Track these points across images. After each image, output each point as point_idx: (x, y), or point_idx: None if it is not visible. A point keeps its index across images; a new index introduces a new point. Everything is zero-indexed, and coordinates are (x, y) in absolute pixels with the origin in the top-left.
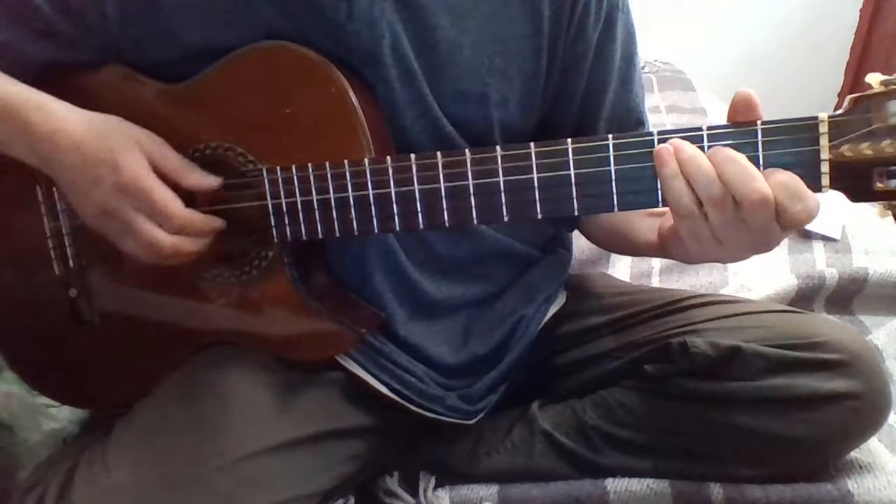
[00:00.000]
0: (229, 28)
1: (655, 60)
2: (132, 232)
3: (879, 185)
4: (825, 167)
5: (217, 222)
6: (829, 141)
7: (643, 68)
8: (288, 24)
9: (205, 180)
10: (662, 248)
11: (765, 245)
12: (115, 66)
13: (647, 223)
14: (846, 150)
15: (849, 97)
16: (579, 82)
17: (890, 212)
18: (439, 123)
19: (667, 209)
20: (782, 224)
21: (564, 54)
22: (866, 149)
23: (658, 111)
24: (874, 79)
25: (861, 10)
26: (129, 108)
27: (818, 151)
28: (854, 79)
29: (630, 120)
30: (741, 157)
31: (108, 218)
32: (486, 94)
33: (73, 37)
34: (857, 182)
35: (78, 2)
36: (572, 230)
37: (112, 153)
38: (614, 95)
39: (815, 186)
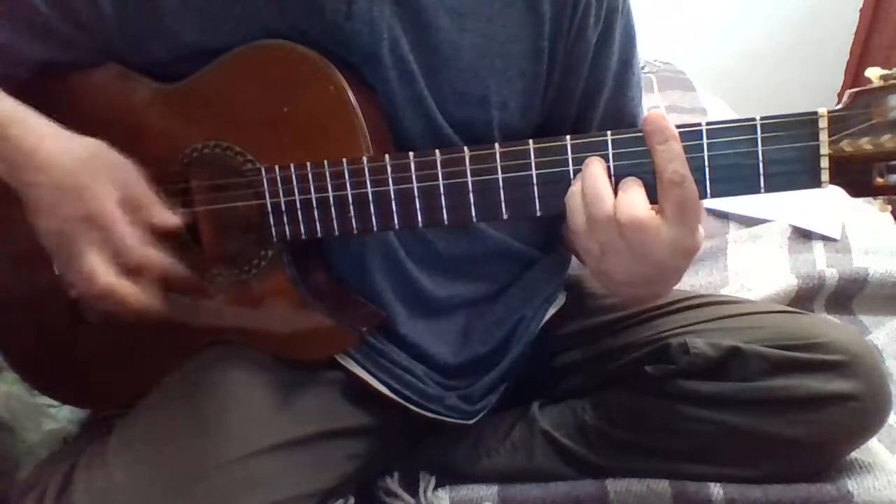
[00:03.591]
0: (228, 28)
1: (655, 60)
2: (76, 262)
3: (879, 180)
4: (825, 162)
5: (172, 263)
6: (829, 136)
7: (643, 68)
8: (287, 23)
9: (169, 218)
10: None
11: (658, 273)
12: (113, 66)
13: None
14: (846, 144)
15: (848, 92)
16: (578, 84)
17: (889, 207)
18: (438, 124)
19: None
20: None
21: (564, 56)
22: (866, 144)
23: (658, 111)
24: (874, 73)
25: (861, 10)
26: (126, 108)
27: (818, 147)
28: (854, 79)
29: (623, 124)
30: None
31: (60, 243)
32: (485, 95)
33: (70, 37)
34: (856, 177)
35: (76, 2)
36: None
37: (83, 180)
38: (608, 97)
39: (815, 182)
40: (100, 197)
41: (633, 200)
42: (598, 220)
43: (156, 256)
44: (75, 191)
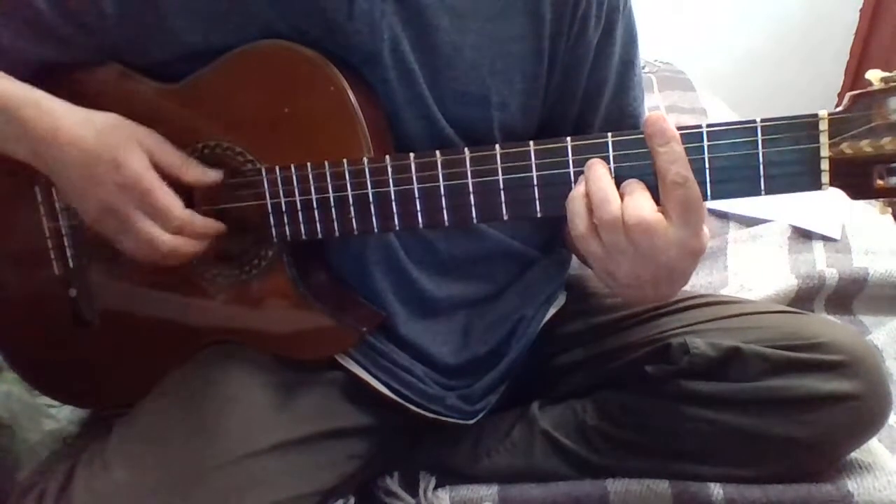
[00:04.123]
0: (229, 28)
1: (655, 60)
2: (131, 230)
3: (879, 182)
4: (825, 164)
5: (216, 225)
6: (830, 138)
7: (643, 68)
8: (288, 24)
9: (206, 175)
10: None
11: (665, 275)
12: (114, 66)
13: None
14: (846, 147)
15: (849, 94)
16: (579, 84)
17: (890, 209)
18: (439, 125)
19: None
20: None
21: (565, 56)
22: (866, 146)
23: (658, 111)
24: (874, 75)
25: (861, 10)
26: (127, 108)
27: (818, 149)
28: (854, 79)
29: (625, 124)
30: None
31: (107, 216)
32: (486, 95)
33: (71, 37)
34: (857, 179)
35: (77, 2)
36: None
37: (113, 150)
38: (611, 97)
39: (816, 184)
40: (132, 164)
41: (640, 203)
42: (605, 222)
43: (197, 219)
44: (107, 162)
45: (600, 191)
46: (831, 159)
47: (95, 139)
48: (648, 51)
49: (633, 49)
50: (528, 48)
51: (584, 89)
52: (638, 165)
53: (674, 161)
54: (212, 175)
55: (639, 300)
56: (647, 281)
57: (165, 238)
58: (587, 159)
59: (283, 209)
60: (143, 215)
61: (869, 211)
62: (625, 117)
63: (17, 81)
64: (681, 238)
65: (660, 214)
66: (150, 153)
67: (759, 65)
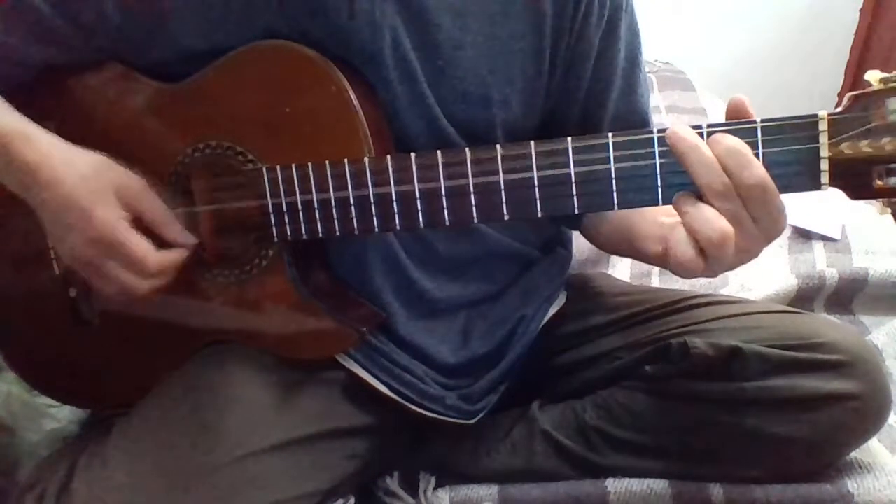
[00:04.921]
0: (230, 29)
1: (655, 60)
2: (106, 278)
3: (879, 182)
4: (824, 165)
5: (186, 252)
6: (829, 139)
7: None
8: (288, 24)
9: (183, 236)
10: (666, 258)
11: (766, 239)
12: (115, 66)
13: (654, 231)
14: (845, 147)
15: (848, 95)
16: (582, 83)
17: (889, 209)
18: (440, 124)
19: (676, 219)
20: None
21: (567, 54)
22: (865, 146)
23: (658, 111)
24: (873, 76)
25: (861, 10)
26: (128, 108)
27: (818, 149)
28: (854, 79)
29: (634, 122)
30: (741, 146)
31: (82, 263)
32: (487, 94)
33: (72, 37)
34: (856, 180)
35: (77, 3)
36: (577, 228)
37: (86, 200)
38: (618, 97)
39: (815, 184)
40: (104, 218)
41: (757, 165)
42: (750, 188)
43: (172, 255)
44: (79, 210)
45: (743, 153)
46: (831, 159)
47: (73, 184)
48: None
49: (637, 47)
50: (530, 47)
51: (588, 88)
52: (640, 165)
53: (746, 166)
54: (189, 239)
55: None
56: (748, 257)
57: (144, 285)
58: (587, 159)
59: (284, 209)
60: (116, 265)
61: (869, 211)
62: (633, 116)
63: (13, 111)
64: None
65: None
66: (129, 204)
67: (759, 65)
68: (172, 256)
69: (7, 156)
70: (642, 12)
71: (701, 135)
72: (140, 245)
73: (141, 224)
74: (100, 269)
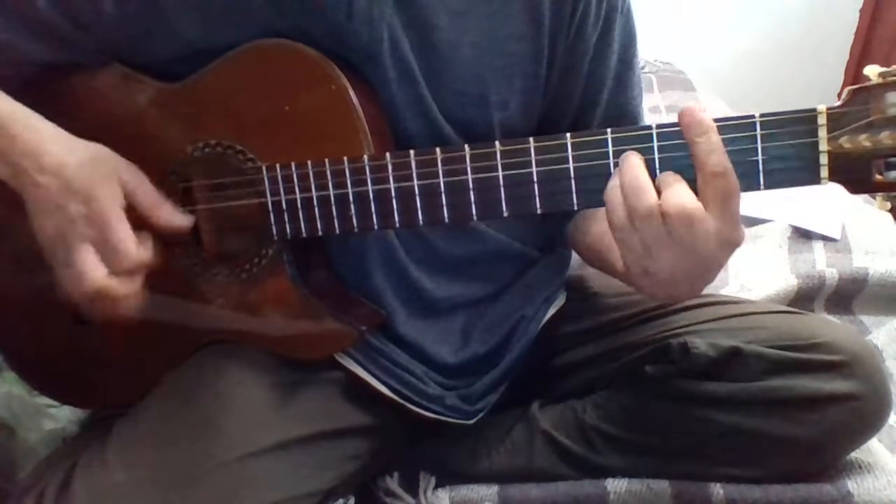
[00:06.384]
0: (229, 26)
1: (655, 60)
2: (69, 260)
3: (878, 176)
4: (824, 159)
5: (156, 261)
6: (828, 133)
7: (643, 68)
8: (287, 22)
9: (176, 219)
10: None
11: (702, 269)
12: (115, 66)
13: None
14: (845, 141)
15: (847, 89)
16: (578, 83)
17: (889, 204)
18: (438, 124)
19: None
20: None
21: (564, 55)
22: (865, 140)
23: (658, 111)
24: (872, 70)
25: (861, 10)
26: (127, 107)
27: (817, 143)
28: (854, 79)
29: (624, 122)
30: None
31: (58, 243)
32: (485, 94)
33: (71, 36)
34: (855, 174)
35: (76, 1)
36: (562, 230)
37: (90, 182)
38: (610, 97)
39: (814, 179)
40: (105, 198)
41: (680, 192)
42: (641, 213)
43: (146, 257)
44: (80, 193)
45: (636, 179)
46: (830, 154)
47: (76, 168)
48: (648, 51)
49: (631, 49)
50: (528, 47)
51: (583, 88)
52: None
53: (712, 151)
54: (182, 220)
55: (670, 298)
56: (683, 276)
57: (98, 274)
58: (587, 155)
59: (284, 207)
60: (87, 249)
61: (869, 211)
62: (623, 117)
63: (8, 98)
64: (720, 229)
65: (700, 205)
66: (128, 190)
67: (759, 64)
68: (147, 255)
69: (11, 142)
70: (642, 12)
71: None
72: (126, 234)
73: (132, 216)
74: (71, 249)
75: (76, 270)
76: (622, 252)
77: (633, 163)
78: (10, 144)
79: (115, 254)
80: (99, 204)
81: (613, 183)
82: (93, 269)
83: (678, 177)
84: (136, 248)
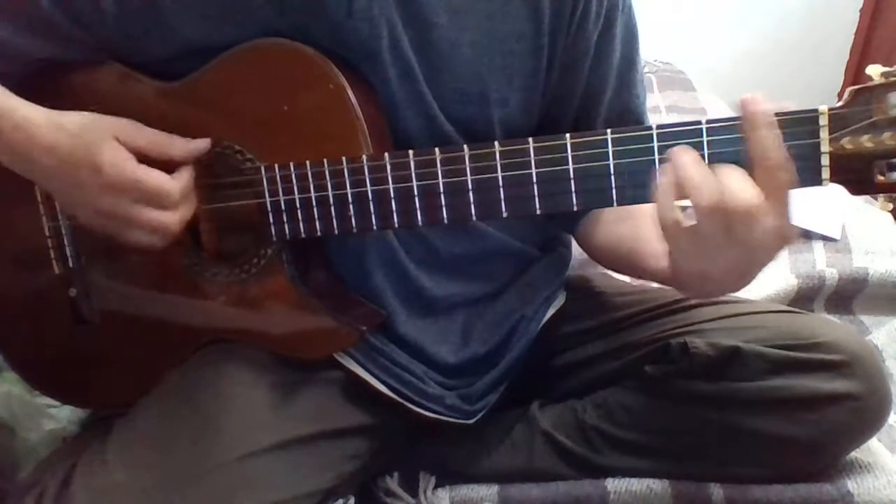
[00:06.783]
0: (228, 25)
1: (655, 60)
2: (135, 224)
3: (880, 177)
4: (825, 160)
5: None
6: (830, 133)
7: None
8: (286, 21)
9: (192, 145)
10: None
11: (755, 266)
12: (113, 65)
13: (656, 248)
14: (846, 142)
15: (849, 89)
16: (579, 82)
17: (891, 205)
18: (438, 122)
19: None
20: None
21: (564, 53)
22: (867, 141)
23: (658, 111)
24: (874, 70)
25: (861, 10)
26: (126, 106)
27: (818, 144)
28: (854, 79)
29: (628, 122)
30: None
31: (105, 217)
32: (485, 93)
33: (70, 33)
34: (857, 175)
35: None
36: (572, 232)
37: (88, 153)
38: (613, 95)
39: (816, 179)
40: (111, 161)
41: (743, 187)
42: (705, 209)
43: (186, 175)
44: (86, 166)
45: (699, 175)
46: (832, 154)
47: (70, 145)
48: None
49: (633, 47)
50: (528, 45)
51: (585, 87)
52: (638, 161)
53: (775, 146)
54: (199, 144)
55: (711, 295)
56: (737, 272)
57: (174, 218)
58: (586, 156)
59: (283, 207)
60: (142, 206)
61: (869, 211)
62: (627, 115)
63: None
64: (779, 224)
65: (762, 200)
66: (129, 142)
67: (759, 64)
68: (187, 175)
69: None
70: (642, 12)
71: (700, 131)
72: (157, 176)
73: (146, 160)
74: (126, 216)
75: (152, 228)
76: (674, 254)
77: (690, 158)
78: (2, 138)
79: (159, 197)
80: (109, 169)
81: (666, 180)
82: (167, 218)
83: (737, 169)
84: (172, 181)
